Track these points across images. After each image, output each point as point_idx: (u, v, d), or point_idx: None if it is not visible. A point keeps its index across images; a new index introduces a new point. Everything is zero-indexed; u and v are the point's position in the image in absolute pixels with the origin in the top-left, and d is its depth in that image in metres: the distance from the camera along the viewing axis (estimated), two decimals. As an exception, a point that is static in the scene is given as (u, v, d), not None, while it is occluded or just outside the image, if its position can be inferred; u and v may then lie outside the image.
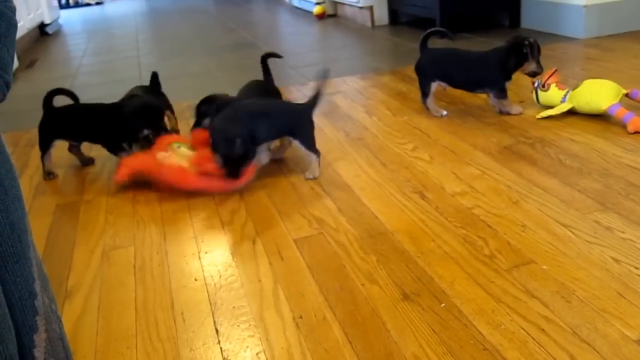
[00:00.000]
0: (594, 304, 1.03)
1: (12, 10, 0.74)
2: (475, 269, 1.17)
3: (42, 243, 1.47)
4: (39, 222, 1.58)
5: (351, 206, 1.48)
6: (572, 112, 1.90)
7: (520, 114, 1.98)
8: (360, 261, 1.24)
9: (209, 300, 1.17)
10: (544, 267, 1.15)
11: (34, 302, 0.69)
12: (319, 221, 1.42)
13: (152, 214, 1.56)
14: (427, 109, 2.08)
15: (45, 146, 1.87)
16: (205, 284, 1.23)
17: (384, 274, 1.19)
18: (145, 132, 1.78)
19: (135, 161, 1.72)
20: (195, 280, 1.24)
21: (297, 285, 1.18)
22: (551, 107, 1.94)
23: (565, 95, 1.92)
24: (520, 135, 1.81)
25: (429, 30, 2.07)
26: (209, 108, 1.75)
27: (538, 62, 1.93)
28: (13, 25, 0.74)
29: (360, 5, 4.12)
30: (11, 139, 2.34)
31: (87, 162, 1.96)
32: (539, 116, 1.93)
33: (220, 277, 1.25)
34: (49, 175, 1.88)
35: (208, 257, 1.33)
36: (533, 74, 1.96)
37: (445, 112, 2.06)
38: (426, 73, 2.06)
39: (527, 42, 1.91)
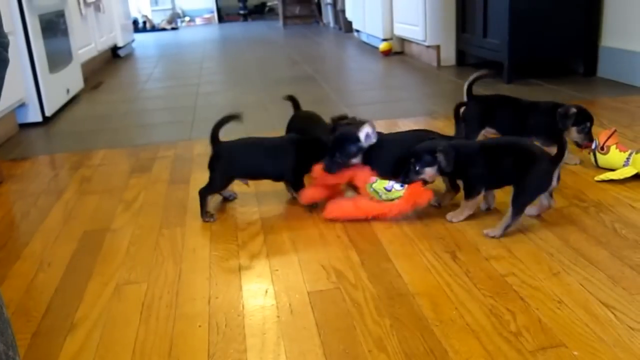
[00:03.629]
0: (627, 407, 0.90)
1: (4, 46, 0.73)
2: (496, 346, 1.05)
3: (61, 271, 1.46)
4: (64, 249, 1.58)
5: (375, 261, 1.39)
6: (637, 176, 1.74)
7: (578, 163, 1.90)
8: (372, 324, 1.14)
9: (208, 350, 1.11)
10: (575, 352, 1.02)
11: None
12: (339, 274, 1.34)
13: (173, 249, 1.53)
14: None
15: (221, 186, 1.74)
16: (209, 331, 1.17)
17: (395, 341, 1.09)
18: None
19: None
20: (199, 326, 1.19)
21: (300, 344, 1.10)
22: (612, 169, 1.79)
23: (628, 158, 1.76)
24: (574, 197, 1.67)
25: (472, 78, 1.99)
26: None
27: (586, 134, 1.84)
28: (2, 61, 0.73)
29: (427, 44, 4.05)
30: (58, 160, 2.40)
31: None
32: (597, 178, 1.77)
33: (225, 325, 1.18)
34: (211, 217, 1.68)
35: (218, 302, 1.27)
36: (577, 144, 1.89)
37: None
38: (476, 120, 1.97)
39: (562, 111, 1.81)
